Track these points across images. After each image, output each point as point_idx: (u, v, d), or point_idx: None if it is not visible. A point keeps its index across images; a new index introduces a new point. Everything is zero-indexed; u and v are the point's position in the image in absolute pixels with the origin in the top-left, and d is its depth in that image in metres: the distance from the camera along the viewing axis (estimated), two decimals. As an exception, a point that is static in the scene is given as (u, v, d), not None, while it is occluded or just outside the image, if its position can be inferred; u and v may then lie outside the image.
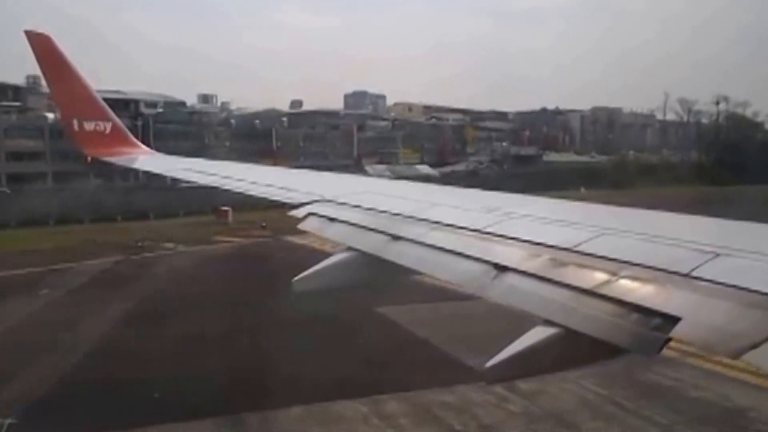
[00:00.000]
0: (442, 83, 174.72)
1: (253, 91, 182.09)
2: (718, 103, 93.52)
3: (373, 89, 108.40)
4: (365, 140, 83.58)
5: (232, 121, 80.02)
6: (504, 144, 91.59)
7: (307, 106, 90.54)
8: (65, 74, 9.31)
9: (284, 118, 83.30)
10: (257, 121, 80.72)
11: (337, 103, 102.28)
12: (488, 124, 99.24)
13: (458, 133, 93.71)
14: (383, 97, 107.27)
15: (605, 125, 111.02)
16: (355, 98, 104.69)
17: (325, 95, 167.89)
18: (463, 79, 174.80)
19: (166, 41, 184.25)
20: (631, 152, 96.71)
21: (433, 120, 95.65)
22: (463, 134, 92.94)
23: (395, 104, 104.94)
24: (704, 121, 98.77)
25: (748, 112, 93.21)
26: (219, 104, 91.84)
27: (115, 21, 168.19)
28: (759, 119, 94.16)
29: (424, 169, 72.72)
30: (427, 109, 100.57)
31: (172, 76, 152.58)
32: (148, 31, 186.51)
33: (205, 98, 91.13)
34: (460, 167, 77.99)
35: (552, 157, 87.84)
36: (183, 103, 75.04)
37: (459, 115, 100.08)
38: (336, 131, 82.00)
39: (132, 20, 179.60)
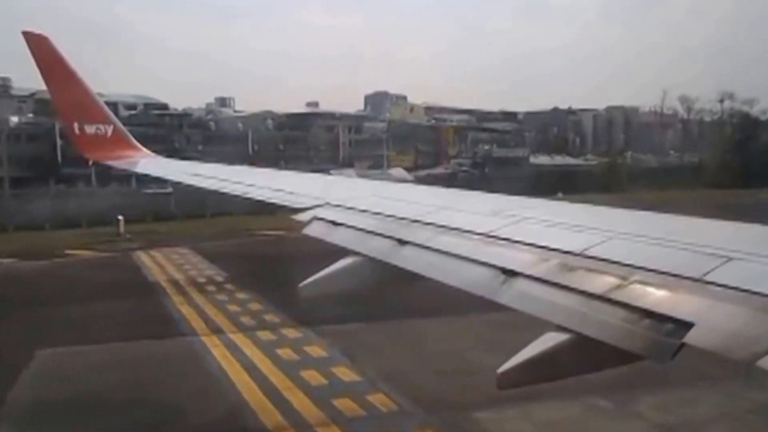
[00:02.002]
0: (460, 83, 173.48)
1: (272, 94, 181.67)
2: (722, 101, 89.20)
3: (394, 90, 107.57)
4: (357, 142, 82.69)
5: (212, 123, 78.92)
6: (486, 146, 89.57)
7: (325, 108, 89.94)
8: (65, 76, 9.23)
9: (269, 120, 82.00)
10: (240, 123, 79.83)
11: (358, 105, 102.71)
12: (494, 125, 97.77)
13: (457, 134, 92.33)
14: (404, 98, 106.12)
15: (620, 125, 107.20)
16: (376, 99, 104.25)
17: (346, 96, 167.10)
18: (483, 78, 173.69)
19: (185, 46, 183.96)
20: (629, 153, 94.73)
21: (432, 121, 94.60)
22: (446, 136, 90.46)
23: (397, 105, 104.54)
24: (707, 119, 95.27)
25: (756, 110, 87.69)
26: (234, 107, 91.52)
27: (132, 25, 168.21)
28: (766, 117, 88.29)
29: (397, 172, 70.50)
30: (429, 109, 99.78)
31: (191, 82, 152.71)
32: (167, 36, 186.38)
33: (222, 101, 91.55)
34: (439, 170, 75.27)
35: (541, 159, 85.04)
36: (165, 106, 73.91)
37: (464, 116, 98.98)
38: (326, 134, 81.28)
39: (151, 24, 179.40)
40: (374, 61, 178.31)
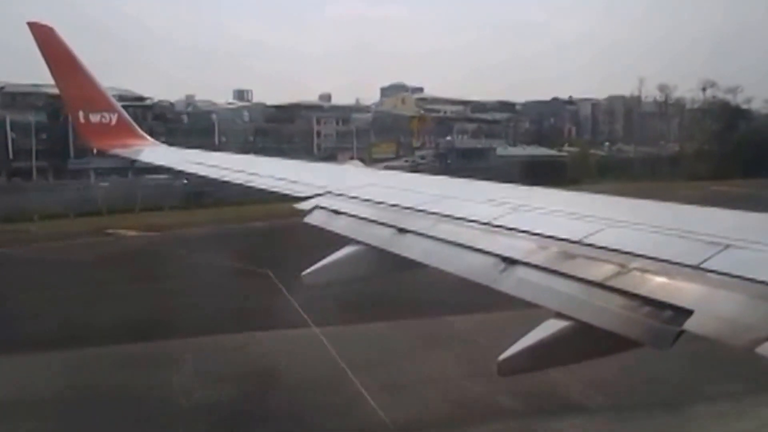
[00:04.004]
0: (477, 76, 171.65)
1: (290, 86, 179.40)
2: (704, 89, 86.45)
3: (412, 82, 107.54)
4: (341, 134, 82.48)
5: (184, 115, 78.18)
6: (449, 138, 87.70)
7: (342, 101, 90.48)
8: (70, 66, 9.30)
9: (246, 112, 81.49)
10: (213, 115, 78.94)
11: (375, 97, 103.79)
12: (485, 115, 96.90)
13: (445, 126, 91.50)
14: (420, 90, 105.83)
15: (619, 115, 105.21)
16: (392, 91, 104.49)
17: (364, 88, 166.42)
18: (500, 71, 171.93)
19: (202, 40, 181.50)
20: (606, 143, 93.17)
21: (422, 112, 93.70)
22: (411, 126, 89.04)
23: (390, 97, 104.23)
24: (688, 107, 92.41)
25: (740, 98, 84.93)
26: (252, 99, 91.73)
27: (150, 21, 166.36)
28: (751, 106, 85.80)
29: (353, 164, 69.57)
30: (423, 100, 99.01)
31: (212, 75, 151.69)
32: (196, 29, 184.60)
33: (240, 94, 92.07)
34: (399, 162, 73.30)
35: (511, 150, 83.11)
36: (140, 98, 73.15)
37: (459, 107, 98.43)
38: (305, 125, 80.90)
39: (172, 19, 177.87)
40: (395, 54, 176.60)
